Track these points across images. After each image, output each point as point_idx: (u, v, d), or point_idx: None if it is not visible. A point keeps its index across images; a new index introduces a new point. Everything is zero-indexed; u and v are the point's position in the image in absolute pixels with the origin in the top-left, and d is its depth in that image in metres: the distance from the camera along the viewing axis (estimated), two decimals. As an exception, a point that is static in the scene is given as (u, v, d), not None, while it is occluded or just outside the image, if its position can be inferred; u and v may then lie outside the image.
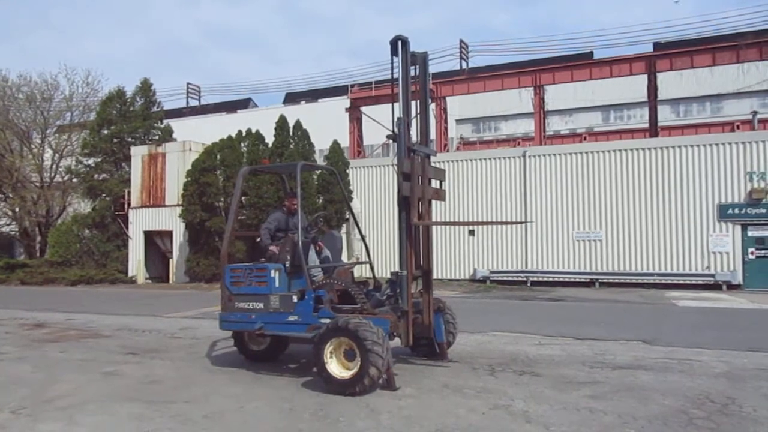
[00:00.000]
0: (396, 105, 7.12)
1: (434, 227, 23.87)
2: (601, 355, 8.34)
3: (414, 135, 7.36)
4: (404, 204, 6.94)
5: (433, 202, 7.76)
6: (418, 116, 7.50)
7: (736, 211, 20.16)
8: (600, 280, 21.32)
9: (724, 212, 20.31)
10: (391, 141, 7.21)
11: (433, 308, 7.34)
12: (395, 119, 7.03)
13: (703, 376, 6.99)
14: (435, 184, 7.78)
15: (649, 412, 5.52)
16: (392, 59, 7.17)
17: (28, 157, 33.66)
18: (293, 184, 8.15)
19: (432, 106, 32.70)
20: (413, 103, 7.39)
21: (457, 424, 5.27)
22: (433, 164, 7.78)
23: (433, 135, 33.00)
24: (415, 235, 7.23)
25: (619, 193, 21.73)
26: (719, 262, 20.25)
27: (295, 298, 7.05)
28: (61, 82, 36.94)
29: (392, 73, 7.18)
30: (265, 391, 6.55)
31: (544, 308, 15.33)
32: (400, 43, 7.14)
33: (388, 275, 7.38)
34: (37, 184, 33.47)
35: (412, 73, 7.33)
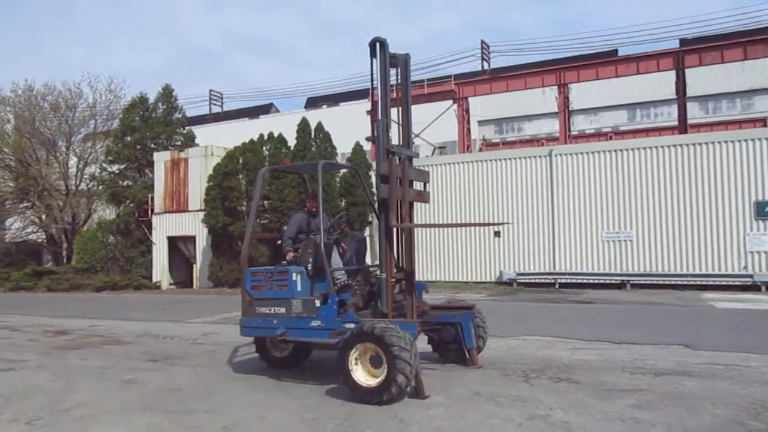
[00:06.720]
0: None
1: (458, 230, 23.62)
2: (641, 360, 7.87)
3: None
4: (383, 206, 6.84)
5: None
6: (399, 115, 7.28)
7: (775, 208, 19.37)
8: (631, 282, 20.64)
9: (761, 210, 19.51)
10: (370, 143, 7.12)
11: (416, 311, 7.08)
12: (374, 122, 6.98)
13: (755, 383, 6.51)
14: (419, 186, 7.65)
15: (701, 423, 5.10)
16: (371, 61, 7.04)
17: (53, 165, 34.15)
18: (314, 185, 7.92)
19: (454, 107, 32.40)
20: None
21: (492, 436, 4.90)
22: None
23: (455, 136, 32.72)
24: (398, 237, 7.13)
25: (650, 191, 21.03)
26: (758, 262, 19.43)
27: (317, 302, 6.76)
28: (85, 90, 37.65)
29: (372, 76, 7.06)
30: (287, 401, 6.25)
31: (575, 311, 14.82)
32: (378, 44, 7.02)
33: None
34: (63, 191, 33.89)
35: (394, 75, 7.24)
